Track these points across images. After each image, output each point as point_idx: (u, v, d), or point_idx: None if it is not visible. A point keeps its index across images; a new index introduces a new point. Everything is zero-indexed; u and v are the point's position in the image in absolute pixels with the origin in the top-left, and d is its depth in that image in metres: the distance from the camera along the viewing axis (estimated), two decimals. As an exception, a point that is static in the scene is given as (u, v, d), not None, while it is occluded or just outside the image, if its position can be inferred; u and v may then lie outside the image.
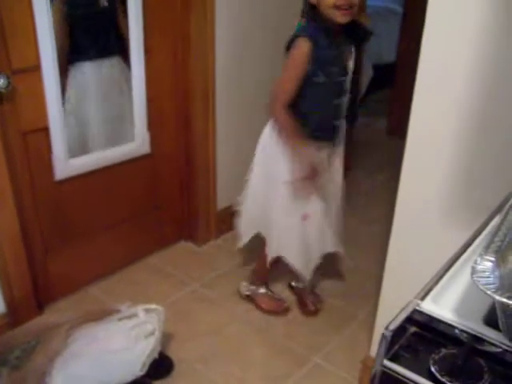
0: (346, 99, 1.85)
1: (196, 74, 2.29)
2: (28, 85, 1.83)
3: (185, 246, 2.64)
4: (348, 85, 1.83)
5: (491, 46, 1.36)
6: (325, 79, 1.74)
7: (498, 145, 1.43)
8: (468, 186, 1.48)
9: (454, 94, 1.43)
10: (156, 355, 1.72)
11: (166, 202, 2.52)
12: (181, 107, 2.37)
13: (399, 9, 4.37)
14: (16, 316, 1.99)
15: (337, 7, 1.64)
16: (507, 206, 0.75)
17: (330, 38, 1.72)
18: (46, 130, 1.93)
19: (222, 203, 2.61)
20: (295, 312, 2.21)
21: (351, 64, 1.82)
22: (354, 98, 1.91)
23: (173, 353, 1.94)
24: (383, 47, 4.91)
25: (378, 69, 4.76)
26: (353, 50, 1.81)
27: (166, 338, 1.95)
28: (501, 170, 1.39)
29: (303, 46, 1.68)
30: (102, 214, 2.28)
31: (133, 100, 2.18)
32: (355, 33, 1.79)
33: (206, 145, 2.42)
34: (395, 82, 3.93)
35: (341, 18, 1.66)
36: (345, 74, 1.80)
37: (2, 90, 1.73)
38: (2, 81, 1.70)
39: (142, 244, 2.47)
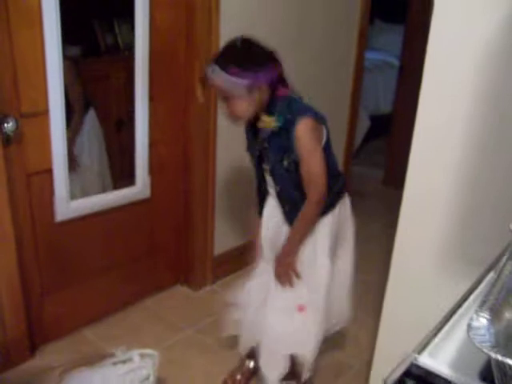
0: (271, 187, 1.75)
1: (197, 121, 2.35)
2: (35, 128, 1.88)
3: (181, 290, 2.64)
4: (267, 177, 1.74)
5: (486, 102, 1.42)
6: (250, 157, 1.78)
7: (493, 198, 1.47)
8: (464, 238, 1.51)
9: (451, 148, 1.48)
10: (150, 401, 1.70)
11: (163, 246, 2.54)
12: (181, 153, 2.42)
13: (396, 62, 4.52)
14: (8, 358, 1.97)
15: None
16: (502, 262, 0.77)
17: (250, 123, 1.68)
18: (49, 172, 1.97)
19: (219, 249, 2.63)
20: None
21: (270, 157, 1.66)
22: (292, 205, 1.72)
23: (166, 399, 1.92)
24: (380, 98, 5.05)
25: (376, 119, 4.88)
26: (263, 146, 1.65)
27: (160, 382, 1.93)
28: (496, 223, 1.43)
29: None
30: (100, 257, 2.29)
31: (135, 145, 2.23)
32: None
33: (205, 190, 2.46)
34: (391, 132, 4.02)
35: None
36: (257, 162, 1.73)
37: (10, 133, 1.77)
38: (10, 124, 1.75)
39: (138, 287, 2.47)
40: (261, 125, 1.61)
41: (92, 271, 2.27)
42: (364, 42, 3.22)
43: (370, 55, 4.73)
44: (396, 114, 4.04)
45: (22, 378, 1.71)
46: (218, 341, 2.26)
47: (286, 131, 1.57)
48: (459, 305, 0.83)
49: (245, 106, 1.54)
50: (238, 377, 2.05)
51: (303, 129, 1.57)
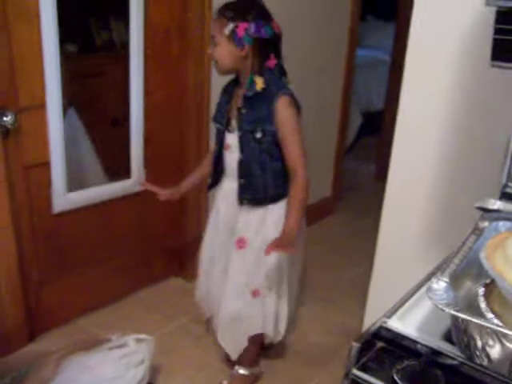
0: (224, 151, 1.76)
1: (192, 115, 2.41)
2: (33, 121, 1.94)
3: (175, 281, 2.70)
4: (226, 137, 1.74)
5: (466, 98, 1.49)
6: (216, 126, 1.80)
7: (471, 189, 1.54)
8: (444, 225, 1.58)
9: (431, 142, 1.56)
10: (145, 384, 1.77)
11: (158, 238, 2.60)
12: (176, 146, 2.48)
13: (388, 59, 4.58)
14: (7, 345, 2.03)
15: None
16: (466, 236, 0.84)
17: (228, 86, 1.77)
18: (47, 165, 2.03)
19: (213, 240, 2.68)
20: (278, 349, 2.25)
21: (243, 125, 1.67)
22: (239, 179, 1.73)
23: (161, 384, 1.99)
24: (373, 95, 5.12)
25: (368, 116, 4.95)
26: (238, 107, 1.68)
27: (155, 370, 1.99)
28: (473, 210, 1.50)
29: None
30: (96, 248, 2.35)
31: (131, 139, 2.29)
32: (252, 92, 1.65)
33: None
34: (383, 128, 4.09)
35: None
36: (223, 124, 1.74)
37: (9, 126, 1.83)
38: (9, 117, 1.81)
39: (134, 278, 2.53)
40: (244, 89, 1.66)
41: (88, 262, 2.33)
42: (355, 40, 3.28)
43: (362, 52, 4.79)
44: (387, 110, 4.11)
45: (21, 363, 1.77)
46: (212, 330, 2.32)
47: (267, 101, 1.62)
48: (430, 275, 0.90)
49: (224, 53, 1.60)
50: None
51: (287, 104, 1.63)
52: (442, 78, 1.50)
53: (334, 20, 3.08)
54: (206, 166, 1.92)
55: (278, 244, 1.58)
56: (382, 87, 4.93)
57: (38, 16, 1.82)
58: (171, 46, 2.33)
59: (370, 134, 5.02)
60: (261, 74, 1.63)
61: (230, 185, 1.78)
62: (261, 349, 2.02)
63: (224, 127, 1.74)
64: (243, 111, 1.66)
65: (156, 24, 2.22)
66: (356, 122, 4.69)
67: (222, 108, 1.76)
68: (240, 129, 1.68)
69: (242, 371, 1.99)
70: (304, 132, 3.15)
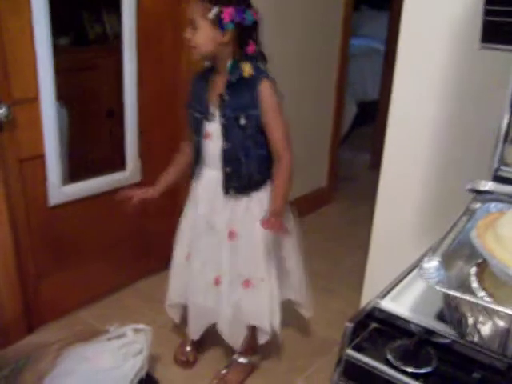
0: (204, 141, 1.72)
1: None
2: (27, 114, 1.93)
3: (173, 272, 2.71)
4: (206, 126, 1.70)
5: (458, 84, 1.49)
6: (193, 114, 1.74)
7: (464, 175, 1.54)
8: (437, 211, 1.59)
9: (424, 130, 1.57)
10: (144, 374, 1.78)
11: (155, 229, 2.60)
12: (171, 136, 2.48)
13: (382, 47, 4.58)
14: (6, 337, 2.04)
15: None
16: (457, 217, 0.85)
17: (205, 74, 1.72)
18: (41, 158, 2.03)
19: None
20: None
21: (226, 112, 1.65)
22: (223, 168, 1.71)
23: (159, 375, 1.99)
24: (368, 84, 5.11)
25: (364, 105, 4.94)
26: (219, 94, 1.65)
27: (153, 361, 2.01)
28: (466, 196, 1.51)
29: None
30: (93, 240, 2.35)
31: (125, 131, 2.29)
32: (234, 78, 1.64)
33: (194, 174, 2.52)
34: (378, 117, 4.09)
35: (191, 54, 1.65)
36: (202, 112, 1.69)
37: (3, 119, 1.83)
38: (3, 110, 1.81)
39: (131, 270, 2.54)
40: (223, 75, 1.64)
41: (85, 254, 2.33)
42: (349, 29, 3.28)
43: (356, 42, 4.79)
44: (382, 100, 4.10)
45: (19, 355, 1.77)
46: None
47: (249, 86, 1.62)
48: (422, 258, 0.91)
49: (205, 38, 1.56)
50: (188, 349, 2.09)
51: (270, 89, 1.64)
52: (434, 66, 1.51)
53: (327, 10, 3.07)
54: (179, 164, 1.90)
55: (265, 222, 1.59)
56: (376, 76, 4.92)
57: (29, 9, 1.81)
58: (164, 37, 2.32)
59: (365, 123, 5.02)
60: (244, 60, 1.62)
61: (211, 174, 1.75)
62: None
63: (203, 115, 1.70)
64: (226, 98, 1.64)
65: (149, 15, 2.21)
66: (351, 111, 4.69)
67: (199, 96, 1.71)
68: (223, 116, 1.64)
69: (241, 359, 2.00)
70: (299, 123, 3.17)
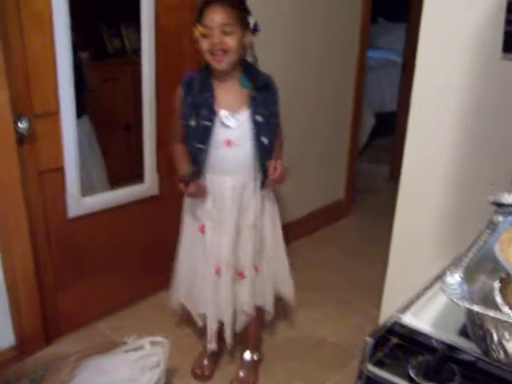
0: (222, 150, 1.71)
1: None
2: (47, 128, 1.96)
3: (190, 285, 2.71)
4: (221, 134, 1.69)
5: (478, 95, 1.48)
6: (195, 123, 1.69)
7: (484, 187, 1.53)
8: (458, 224, 1.57)
9: (443, 142, 1.55)
10: (160, 387, 1.77)
11: (173, 241, 2.60)
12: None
13: (400, 60, 4.57)
14: (24, 349, 2.05)
15: (211, 53, 1.62)
16: (480, 230, 0.83)
17: (205, 82, 1.69)
18: (61, 170, 2.05)
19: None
20: (294, 350, 2.25)
21: (244, 113, 1.69)
22: (261, 163, 1.75)
23: (176, 387, 1.99)
24: (385, 96, 5.11)
25: (381, 117, 4.93)
26: (252, 97, 1.69)
27: (170, 374, 2.00)
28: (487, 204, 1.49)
29: (176, 92, 1.75)
30: (111, 252, 2.36)
31: (143, 144, 2.31)
32: (254, 79, 1.70)
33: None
34: (396, 129, 4.06)
35: (215, 64, 1.63)
36: (212, 119, 1.68)
37: (24, 133, 1.86)
38: (24, 124, 1.84)
39: (149, 281, 2.54)
40: (234, 79, 1.70)
41: (103, 266, 2.34)
42: (366, 41, 3.28)
43: (374, 54, 4.79)
44: (400, 111, 4.09)
45: (38, 366, 1.78)
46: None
47: (266, 86, 1.73)
48: (443, 272, 0.89)
49: (238, 42, 1.62)
50: (205, 362, 2.09)
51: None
52: (453, 79, 1.50)
53: (344, 22, 3.08)
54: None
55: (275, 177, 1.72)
56: (393, 88, 4.91)
57: (51, 24, 1.85)
58: (182, 51, 2.34)
59: (383, 135, 5.01)
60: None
61: (234, 181, 1.75)
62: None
63: (212, 123, 1.67)
64: (257, 96, 1.70)
65: (167, 29, 2.24)
66: (369, 123, 4.68)
67: (204, 103, 1.68)
68: (258, 114, 1.69)
69: (254, 357, 2.09)
70: (317, 134, 3.17)
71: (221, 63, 1.62)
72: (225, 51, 1.60)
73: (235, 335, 1.98)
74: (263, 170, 1.75)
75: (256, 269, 1.89)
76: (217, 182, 1.76)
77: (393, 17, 5.73)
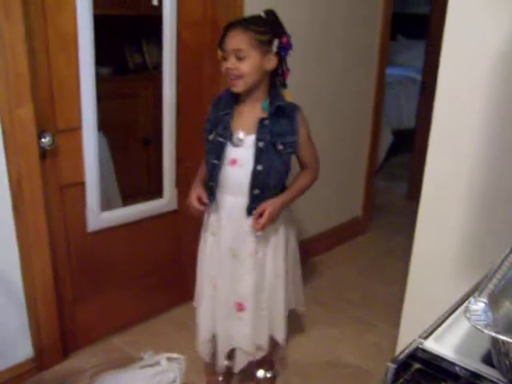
0: (228, 167, 1.71)
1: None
2: (69, 143, 1.99)
3: (207, 300, 2.70)
4: (230, 152, 1.70)
5: (500, 112, 1.47)
6: (212, 138, 1.72)
7: (507, 207, 1.51)
8: (480, 242, 1.55)
9: (465, 161, 1.54)
10: (176, 404, 1.76)
11: (191, 257, 2.60)
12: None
13: (419, 77, 4.57)
14: (42, 361, 2.06)
15: (227, 76, 1.64)
16: (504, 254, 0.82)
17: (229, 102, 1.72)
18: (82, 185, 2.07)
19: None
20: (311, 368, 2.23)
21: (252, 136, 1.67)
22: (250, 190, 1.71)
23: (192, 404, 1.98)
24: (404, 113, 5.10)
25: (399, 134, 4.92)
26: (261, 122, 1.66)
27: (186, 389, 2.00)
28: (509, 224, 1.47)
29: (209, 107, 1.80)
30: (129, 267, 2.38)
31: (163, 159, 2.33)
32: (275, 105, 1.67)
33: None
34: (415, 147, 4.05)
35: (231, 86, 1.65)
36: (226, 137, 1.69)
37: (47, 147, 1.89)
38: (47, 139, 1.87)
39: (167, 297, 2.55)
40: (254, 102, 1.68)
41: (121, 280, 2.36)
42: (385, 58, 3.28)
43: (393, 71, 4.79)
44: (419, 129, 4.07)
45: (55, 379, 1.79)
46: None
47: (285, 115, 1.68)
48: (468, 296, 0.88)
49: (253, 67, 1.60)
50: (220, 379, 2.07)
51: (304, 119, 1.73)
52: (476, 95, 1.49)
53: (364, 39, 3.09)
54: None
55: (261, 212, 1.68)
56: (412, 105, 4.91)
57: (75, 41, 1.89)
58: (202, 69, 2.37)
59: (401, 152, 4.99)
60: (282, 87, 1.72)
61: (233, 201, 1.74)
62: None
63: (226, 140, 1.69)
64: (266, 123, 1.66)
65: (188, 47, 2.27)
66: (387, 140, 4.67)
67: (223, 121, 1.71)
68: (261, 140, 1.66)
69: (268, 375, 2.08)
70: (335, 150, 3.16)
71: (236, 87, 1.64)
72: (238, 76, 1.61)
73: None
74: (251, 198, 1.71)
75: (257, 304, 1.82)
76: (219, 199, 1.77)
77: (412, 34, 5.73)
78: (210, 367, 2.05)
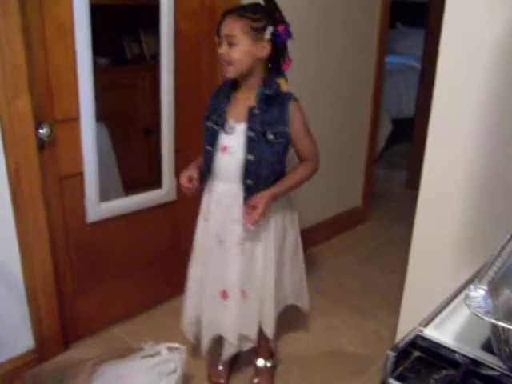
0: (219, 155, 1.72)
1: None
2: (67, 133, 1.98)
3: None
4: (222, 139, 1.71)
5: (499, 101, 1.46)
6: (209, 125, 1.73)
7: (507, 195, 1.51)
8: (479, 230, 1.55)
9: (465, 149, 1.53)
10: (177, 393, 1.77)
11: (190, 246, 2.60)
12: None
13: (418, 66, 4.55)
14: (43, 352, 2.07)
15: (220, 61, 1.64)
16: (504, 241, 0.82)
17: (228, 91, 1.73)
18: (80, 175, 2.07)
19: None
20: (311, 357, 2.24)
21: (242, 125, 1.67)
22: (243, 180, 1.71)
23: (193, 394, 1.99)
24: (403, 102, 5.08)
25: (399, 123, 4.91)
26: (251, 111, 1.65)
27: (187, 380, 2.00)
28: (509, 212, 1.47)
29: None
30: (129, 257, 2.38)
31: (162, 150, 2.32)
32: (264, 93, 1.66)
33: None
34: (414, 135, 4.04)
35: (223, 72, 1.65)
36: (219, 124, 1.70)
37: (45, 138, 1.88)
38: (45, 130, 1.86)
39: (166, 287, 2.55)
40: (250, 91, 1.67)
41: (121, 271, 2.36)
42: (384, 46, 3.27)
43: (392, 59, 4.77)
44: (418, 117, 4.06)
45: (56, 370, 1.79)
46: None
47: (277, 104, 1.66)
48: (468, 283, 0.88)
49: (244, 53, 1.59)
50: (221, 368, 2.07)
51: (299, 111, 1.69)
52: (475, 84, 1.48)
53: (363, 27, 3.07)
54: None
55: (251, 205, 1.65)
56: (411, 94, 4.90)
57: (73, 36, 1.88)
58: (200, 58, 2.35)
59: (400, 141, 4.98)
60: (281, 75, 1.69)
61: (224, 188, 1.75)
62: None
63: (220, 127, 1.71)
64: (256, 111, 1.65)
65: (186, 36, 2.25)
66: (386, 128, 4.66)
67: (219, 108, 1.72)
68: (251, 129, 1.65)
69: (268, 364, 2.07)
70: (334, 140, 3.15)
71: (227, 72, 1.64)
72: (229, 62, 1.61)
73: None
74: (245, 188, 1.71)
75: (243, 294, 1.81)
76: (211, 185, 1.79)
77: (411, 22, 5.70)
78: (211, 357, 2.06)
